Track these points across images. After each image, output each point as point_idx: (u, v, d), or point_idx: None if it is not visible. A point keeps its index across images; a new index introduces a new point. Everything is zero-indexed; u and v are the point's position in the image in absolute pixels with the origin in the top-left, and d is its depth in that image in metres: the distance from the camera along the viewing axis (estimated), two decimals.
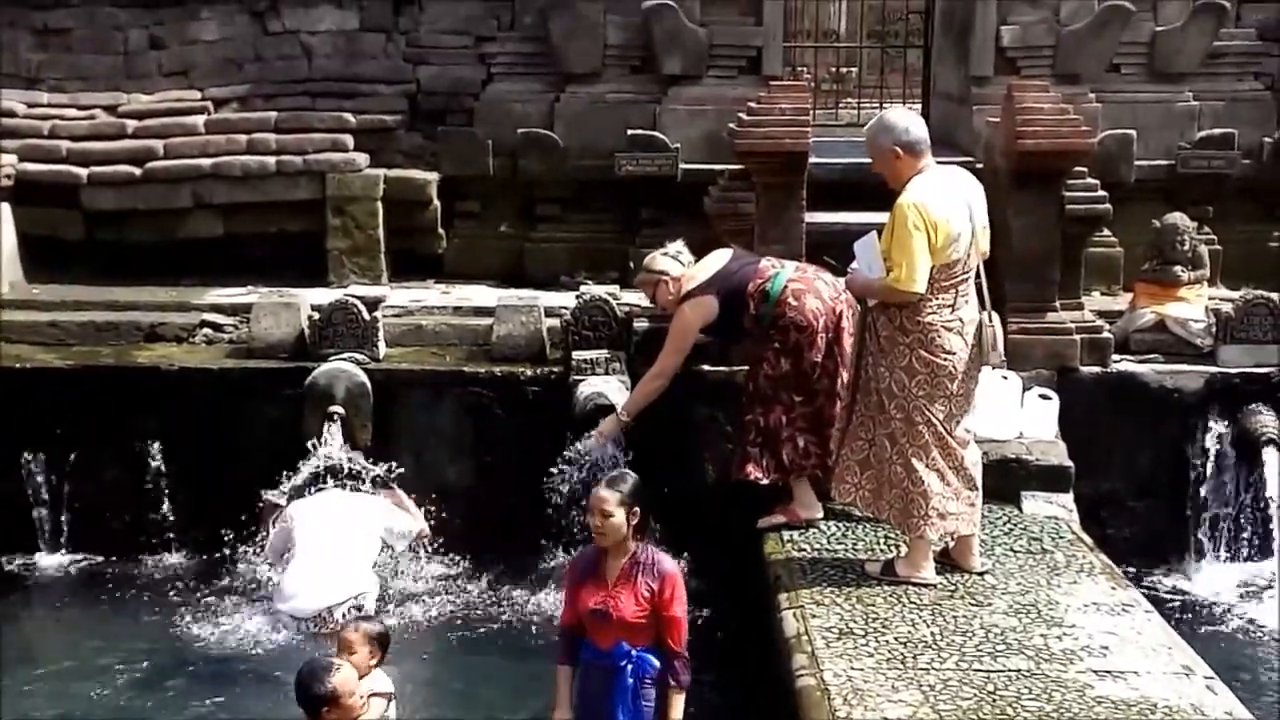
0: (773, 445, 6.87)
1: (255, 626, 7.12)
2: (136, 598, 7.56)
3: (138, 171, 9.17)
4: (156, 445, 7.87)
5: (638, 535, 5.35)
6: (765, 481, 6.94)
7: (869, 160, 6.21)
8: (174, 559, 7.95)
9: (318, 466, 7.57)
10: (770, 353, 6.87)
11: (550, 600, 7.20)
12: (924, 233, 5.84)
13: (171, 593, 7.58)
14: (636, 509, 5.30)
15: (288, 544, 7.24)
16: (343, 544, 7.17)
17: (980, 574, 6.27)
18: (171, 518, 7.93)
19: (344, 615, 6.88)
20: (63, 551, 7.99)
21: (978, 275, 6.10)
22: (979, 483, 6.22)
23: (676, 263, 7.20)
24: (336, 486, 7.53)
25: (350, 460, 7.62)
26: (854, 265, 6.31)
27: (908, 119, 6.09)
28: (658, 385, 7.16)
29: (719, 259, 7.15)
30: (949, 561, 6.28)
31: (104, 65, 9.63)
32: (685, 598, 5.37)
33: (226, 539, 7.74)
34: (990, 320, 6.11)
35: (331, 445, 7.63)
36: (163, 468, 7.88)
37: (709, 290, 7.02)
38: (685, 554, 7.13)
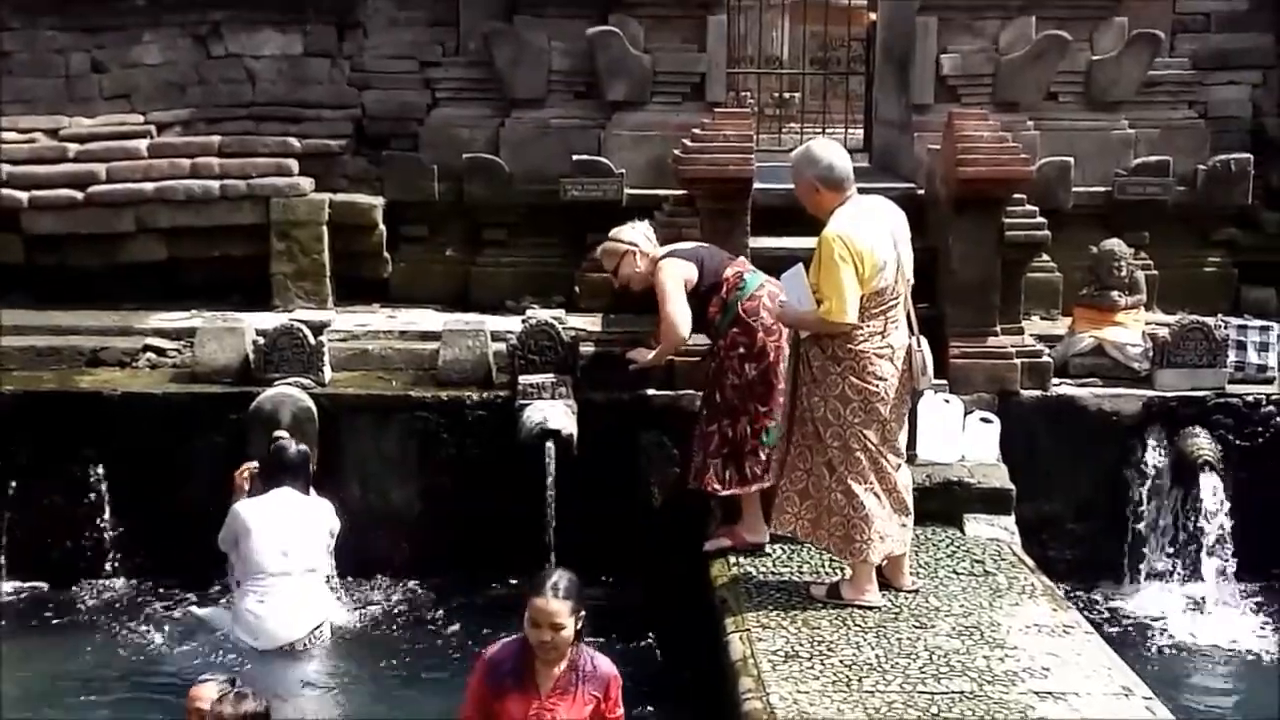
0: (737, 457, 6.88)
1: (200, 653, 7.09)
2: (79, 624, 7.48)
3: (79, 195, 9.08)
4: (99, 471, 7.80)
5: (580, 638, 4.92)
6: (724, 493, 6.96)
7: None
8: (117, 585, 7.87)
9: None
10: (735, 360, 6.85)
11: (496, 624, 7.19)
12: (850, 264, 5.92)
13: (114, 619, 7.51)
14: (582, 611, 4.87)
15: (238, 543, 7.15)
16: (302, 567, 7.14)
17: (916, 592, 6.35)
18: (114, 544, 7.85)
19: (305, 645, 7.04)
20: (4, 579, 7.87)
21: (905, 301, 6.18)
22: (910, 506, 6.29)
23: (647, 240, 7.21)
24: (289, 486, 7.29)
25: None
26: (782, 298, 6.38)
27: (830, 152, 6.16)
28: (676, 339, 7.05)
29: (693, 242, 7.19)
30: (881, 580, 6.32)
31: (45, 88, 9.55)
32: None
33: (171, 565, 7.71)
34: (919, 345, 6.19)
35: None
36: (105, 493, 7.81)
37: (689, 257, 7.02)
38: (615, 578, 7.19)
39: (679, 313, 6.94)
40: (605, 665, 4.97)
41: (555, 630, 4.79)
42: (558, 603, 4.79)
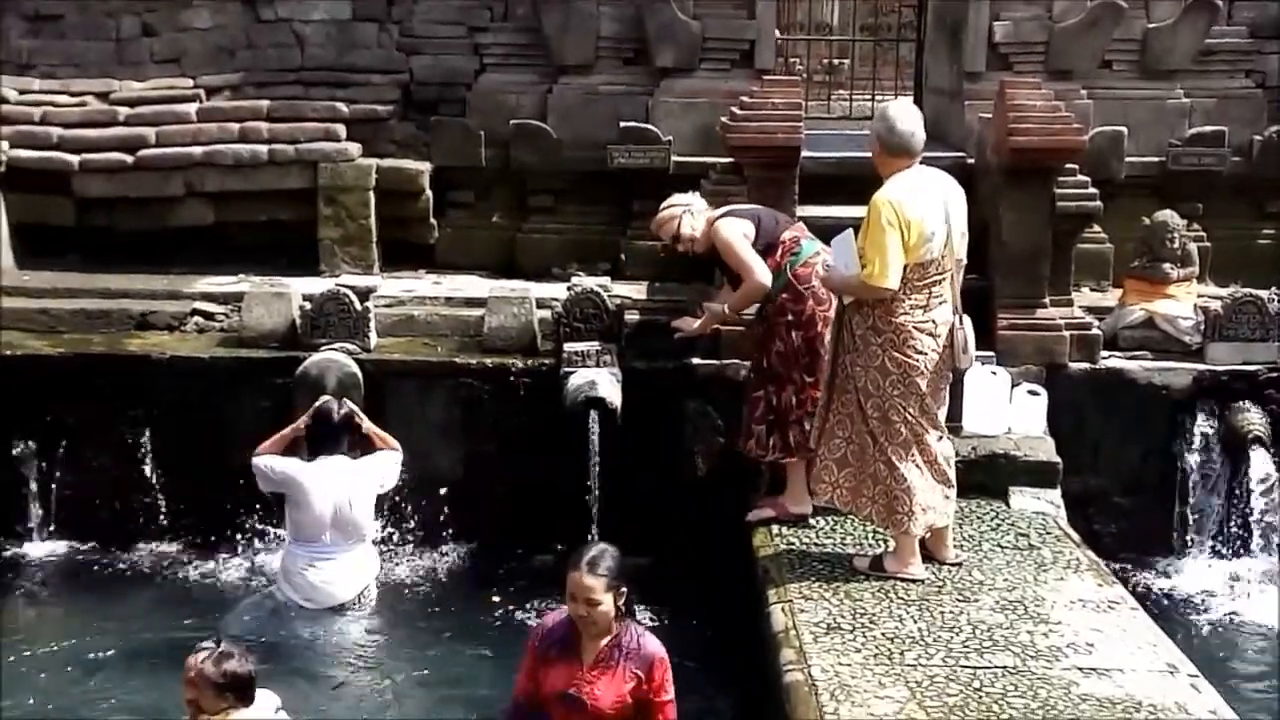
0: (781, 425, 6.85)
1: (244, 617, 7.17)
2: (126, 586, 7.58)
3: (129, 159, 9.13)
4: (147, 433, 7.87)
5: (622, 614, 4.88)
6: (769, 459, 6.95)
7: (862, 153, 6.26)
8: (163, 547, 7.95)
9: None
10: (783, 327, 6.81)
11: (538, 592, 7.23)
12: (897, 230, 5.87)
13: (161, 581, 7.61)
14: (623, 588, 4.81)
15: (288, 501, 7.24)
16: (355, 537, 7.24)
17: (959, 565, 6.33)
18: (161, 506, 7.92)
19: (352, 605, 7.19)
20: (53, 539, 7.98)
21: (953, 280, 6.12)
22: (952, 478, 6.25)
23: (698, 200, 7.20)
24: (338, 452, 7.33)
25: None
26: (829, 262, 6.35)
27: (900, 116, 6.09)
28: (758, 287, 6.80)
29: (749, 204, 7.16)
30: (924, 552, 6.30)
31: (96, 52, 9.59)
32: (672, 678, 4.93)
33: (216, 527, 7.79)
34: (961, 324, 6.13)
35: None
36: (153, 456, 7.89)
37: (746, 215, 6.97)
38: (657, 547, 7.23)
39: (757, 263, 6.79)
40: (651, 645, 4.90)
41: (591, 605, 4.76)
42: (592, 578, 4.76)
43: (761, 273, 6.79)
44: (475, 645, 6.89)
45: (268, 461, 7.27)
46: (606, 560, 4.82)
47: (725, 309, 7.11)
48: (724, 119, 8.16)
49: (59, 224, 9.24)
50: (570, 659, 4.87)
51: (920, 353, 6.03)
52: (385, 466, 7.40)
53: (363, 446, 7.46)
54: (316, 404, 7.45)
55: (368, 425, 7.47)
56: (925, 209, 5.94)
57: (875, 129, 6.13)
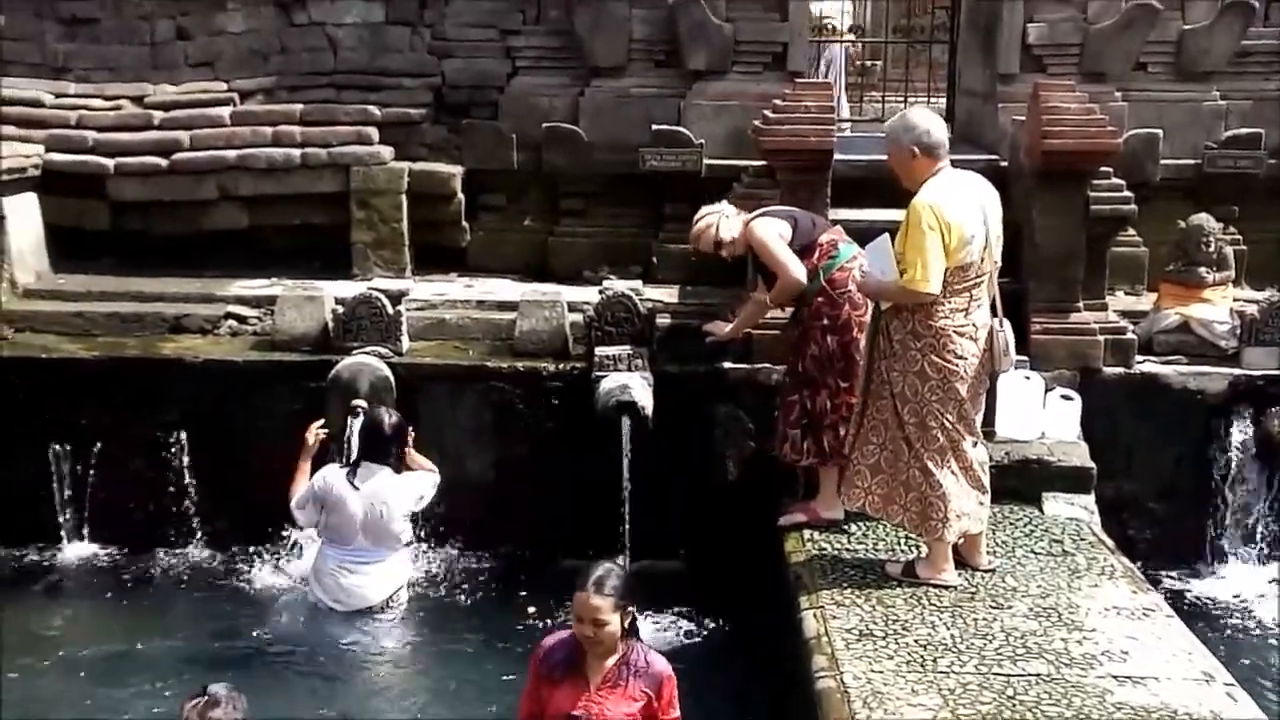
0: (815, 430, 6.82)
1: (276, 620, 7.19)
2: (158, 589, 7.62)
3: (163, 162, 9.18)
4: (180, 436, 7.90)
5: (627, 634, 4.85)
6: (803, 464, 6.93)
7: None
8: (196, 550, 7.98)
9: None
10: (818, 331, 6.78)
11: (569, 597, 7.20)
12: (938, 233, 5.83)
13: (193, 584, 7.64)
14: (629, 607, 4.81)
15: (326, 509, 7.23)
16: (391, 545, 7.26)
17: (992, 571, 6.28)
18: (194, 510, 7.95)
19: (382, 608, 7.19)
20: (86, 542, 8.01)
21: (990, 281, 6.08)
22: (986, 484, 6.21)
23: (729, 205, 7.19)
24: (383, 463, 7.30)
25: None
26: (865, 267, 6.32)
27: (929, 120, 6.07)
28: (793, 283, 6.78)
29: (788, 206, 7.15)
30: (957, 558, 6.26)
31: (131, 56, 9.65)
32: (677, 695, 4.91)
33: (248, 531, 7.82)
34: (1001, 327, 6.09)
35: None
36: (186, 459, 7.91)
37: (782, 216, 6.95)
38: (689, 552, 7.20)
39: (792, 260, 6.77)
40: (659, 664, 4.89)
41: (597, 626, 4.73)
42: (599, 599, 4.73)
43: (796, 269, 6.76)
44: (505, 650, 6.88)
45: (296, 501, 7.31)
46: (613, 580, 4.79)
47: (767, 299, 7.10)
48: (756, 122, 8.14)
49: (94, 228, 9.29)
50: (576, 679, 4.84)
51: (960, 357, 5.99)
52: (425, 486, 7.40)
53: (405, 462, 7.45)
54: (367, 412, 7.47)
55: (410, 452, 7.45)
56: (964, 212, 5.90)
57: (908, 139, 6.01)
